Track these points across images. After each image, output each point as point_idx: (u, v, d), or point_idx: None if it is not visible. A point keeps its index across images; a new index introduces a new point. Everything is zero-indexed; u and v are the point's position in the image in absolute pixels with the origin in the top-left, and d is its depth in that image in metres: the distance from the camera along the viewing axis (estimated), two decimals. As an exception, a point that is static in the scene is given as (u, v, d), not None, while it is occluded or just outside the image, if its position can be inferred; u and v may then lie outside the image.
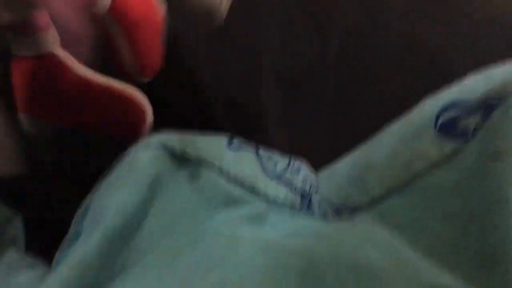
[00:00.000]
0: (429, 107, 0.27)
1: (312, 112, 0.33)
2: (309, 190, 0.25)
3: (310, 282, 0.18)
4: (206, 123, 0.28)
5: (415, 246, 0.21)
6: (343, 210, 0.24)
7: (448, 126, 0.26)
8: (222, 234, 0.22)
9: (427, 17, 0.36)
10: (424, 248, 0.21)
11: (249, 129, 0.31)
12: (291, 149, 0.31)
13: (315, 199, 0.25)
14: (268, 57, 0.34)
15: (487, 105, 0.25)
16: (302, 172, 0.27)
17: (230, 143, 0.27)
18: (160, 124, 0.29)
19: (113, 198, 0.23)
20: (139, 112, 0.29)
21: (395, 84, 0.33)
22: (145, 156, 0.25)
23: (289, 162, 0.27)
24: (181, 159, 0.25)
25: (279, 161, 0.26)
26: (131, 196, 0.22)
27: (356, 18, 0.35)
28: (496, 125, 0.24)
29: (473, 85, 0.27)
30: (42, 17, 0.24)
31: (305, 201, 0.25)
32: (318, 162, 0.30)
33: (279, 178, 0.25)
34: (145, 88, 0.29)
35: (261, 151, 0.27)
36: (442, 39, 0.35)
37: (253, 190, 0.24)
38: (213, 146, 0.26)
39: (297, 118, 0.33)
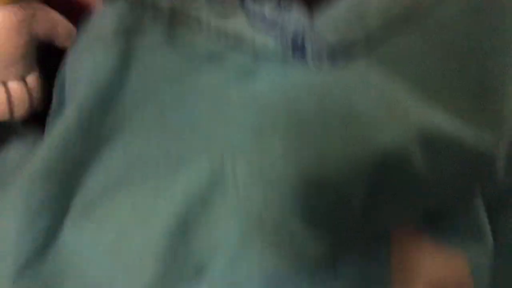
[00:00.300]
0: None
1: None
2: (302, 30, 0.23)
3: (295, 133, 0.19)
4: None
5: (413, 85, 0.21)
6: (339, 51, 0.23)
7: None
8: (208, 94, 0.21)
9: None
10: (422, 87, 0.21)
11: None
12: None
13: (309, 41, 0.23)
14: None
15: None
16: (293, 12, 0.24)
17: None
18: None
19: (83, 68, 0.22)
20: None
21: None
22: (111, 15, 0.22)
23: (278, 2, 0.24)
24: (153, 13, 0.23)
25: (267, 2, 0.24)
26: (101, 64, 0.21)
27: None
28: None
29: None
30: None
31: (297, 44, 0.23)
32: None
33: (266, 21, 0.23)
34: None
35: None
36: None
37: (238, 40, 0.22)
38: None
39: None
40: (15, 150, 0.24)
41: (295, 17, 0.24)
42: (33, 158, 0.20)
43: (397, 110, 0.20)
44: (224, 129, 0.19)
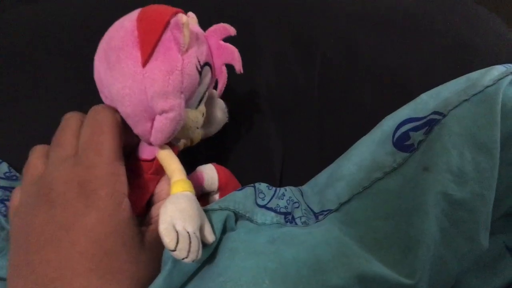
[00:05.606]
0: (389, 123, 0.33)
1: (300, 125, 0.39)
2: (291, 208, 0.31)
3: (279, 276, 0.25)
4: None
5: (362, 241, 0.27)
6: (320, 216, 0.31)
7: (401, 139, 0.30)
8: (227, 247, 0.28)
9: (391, 47, 0.41)
10: (368, 243, 0.27)
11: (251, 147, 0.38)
12: (285, 159, 0.37)
13: (297, 213, 0.31)
14: (262, 81, 0.39)
15: (431, 120, 0.29)
16: (286, 196, 0.33)
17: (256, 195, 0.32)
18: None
19: None
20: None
21: (365, 101, 0.39)
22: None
23: (275, 191, 0.33)
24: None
25: (267, 193, 0.32)
26: None
27: (334, 48, 0.41)
28: (432, 140, 0.29)
29: (425, 102, 0.32)
30: None
31: (288, 217, 0.31)
32: (308, 167, 0.36)
33: (265, 206, 0.32)
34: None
35: (257, 188, 0.33)
36: (403, 63, 0.40)
37: (249, 219, 0.30)
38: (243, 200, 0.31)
39: (289, 132, 0.39)
40: None
41: (288, 199, 0.32)
42: None
43: (345, 258, 0.26)
44: (234, 271, 0.25)
